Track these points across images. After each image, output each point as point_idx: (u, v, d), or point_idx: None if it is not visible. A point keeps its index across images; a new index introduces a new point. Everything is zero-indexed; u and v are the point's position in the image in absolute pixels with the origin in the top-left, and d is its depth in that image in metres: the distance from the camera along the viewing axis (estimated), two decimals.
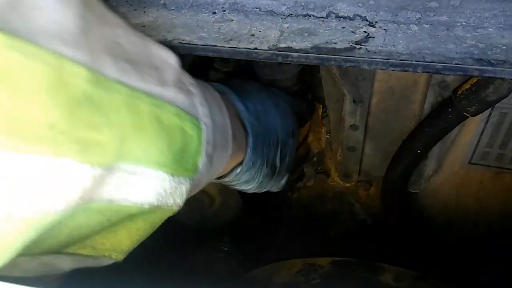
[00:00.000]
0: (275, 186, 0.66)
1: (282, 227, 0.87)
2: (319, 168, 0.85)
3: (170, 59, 0.38)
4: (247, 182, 0.59)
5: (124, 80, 0.31)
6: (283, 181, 0.66)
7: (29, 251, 0.28)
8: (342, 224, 0.84)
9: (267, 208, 0.89)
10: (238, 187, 0.61)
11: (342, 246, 0.80)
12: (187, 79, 0.41)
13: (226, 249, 0.83)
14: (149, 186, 0.34)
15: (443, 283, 0.68)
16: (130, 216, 0.35)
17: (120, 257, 0.37)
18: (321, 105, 0.77)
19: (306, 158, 0.86)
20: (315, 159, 0.86)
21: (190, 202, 0.42)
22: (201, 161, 0.40)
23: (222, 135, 0.46)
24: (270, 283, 0.69)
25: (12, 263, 0.27)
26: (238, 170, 0.54)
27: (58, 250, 0.32)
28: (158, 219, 0.38)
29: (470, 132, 0.66)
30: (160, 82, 0.35)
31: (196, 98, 0.40)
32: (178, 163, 0.36)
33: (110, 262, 0.37)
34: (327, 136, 0.79)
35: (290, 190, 0.89)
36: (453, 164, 0.72)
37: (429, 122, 0.61)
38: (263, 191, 0.67)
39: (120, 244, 0.36)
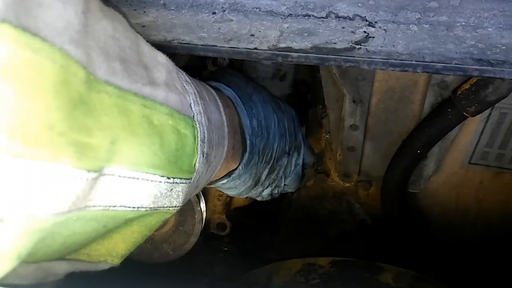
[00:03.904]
0: (255, 195, 0.65)
1: (282, 227, 0.87)
2: (319, 168, 0.85)
3: (160, 58, 0.37)
4: (228, 188, 0.59)
5: (113, 81, 0.30)
6: (264, 193, 0.65)
7: (24, 259, 0.28)
8: (342, 224, 0.84)
9: (267, 208, 0.89)
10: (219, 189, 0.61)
11: (342, 246, 0.80)
12: (182, 76, 0.40)
13: (226, 249, 0.83)
14: (144, 189, 0.33)
15: (443, 283, 0.68)
16: (126, 220, 0.34)
17: (116, 261, 0.36)
18: (321, 105, 0.77)
19: None
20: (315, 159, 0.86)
21: None
22: (198, 160, 0.39)
23: (219, 132, 0.45)
24: (270, 283, 0.69)
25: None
26: (225, 181, 0.54)
27: (53, 259, 0.32)
28: (154, 222, 0.37)
29: (469, 132, 0.66)
30: (150, 82, 0.34)
31: (190, 96, 0.39)
32: (173, 164, 0.35)
33: (106, 266, 0.36)
34: (327, 136, 0.79)
35: None
36: (453, 164, 0.72)
37: (428, 122, 0.61)
38: (243, 197, 0.68)
39: (115, 248, 0.36)
